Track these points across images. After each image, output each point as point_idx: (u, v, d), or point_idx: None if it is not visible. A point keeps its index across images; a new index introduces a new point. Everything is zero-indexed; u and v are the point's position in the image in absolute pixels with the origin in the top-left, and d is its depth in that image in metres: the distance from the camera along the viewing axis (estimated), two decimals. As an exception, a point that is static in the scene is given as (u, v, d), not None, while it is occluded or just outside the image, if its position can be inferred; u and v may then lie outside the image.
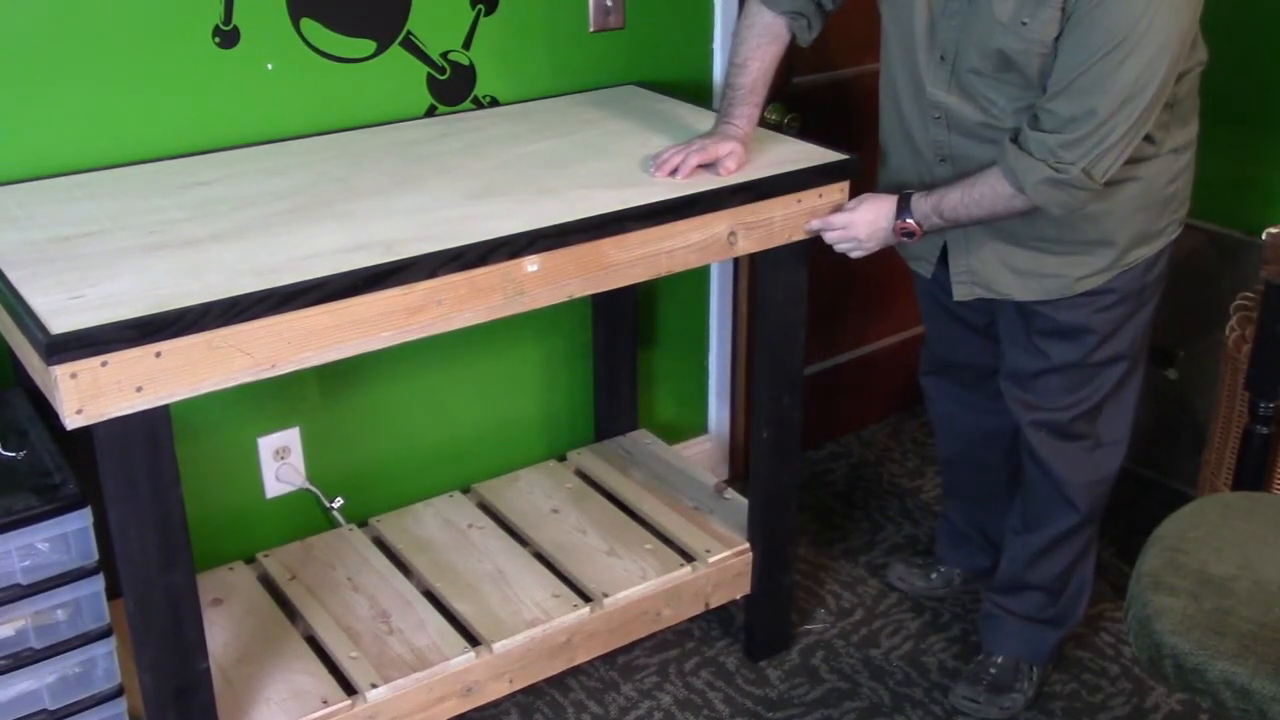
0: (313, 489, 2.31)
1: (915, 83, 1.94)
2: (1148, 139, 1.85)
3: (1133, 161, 1.85)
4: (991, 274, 2.00)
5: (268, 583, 2.19)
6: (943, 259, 2.06)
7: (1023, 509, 2.22)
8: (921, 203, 1.92)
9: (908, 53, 1.94)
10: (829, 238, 1.99)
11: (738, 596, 2.32)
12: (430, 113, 2.24)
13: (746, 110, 2.03)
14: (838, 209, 1.99)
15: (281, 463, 2.26)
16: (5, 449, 1.71)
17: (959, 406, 2.34)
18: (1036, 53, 1.76)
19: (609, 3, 2.37)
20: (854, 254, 2.00)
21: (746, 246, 1.96)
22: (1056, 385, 2.06)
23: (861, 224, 1.96)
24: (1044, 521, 2.18)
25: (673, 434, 2.79)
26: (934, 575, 2.56)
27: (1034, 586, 2.24)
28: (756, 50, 2.04)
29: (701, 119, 2.18)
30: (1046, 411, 2.08)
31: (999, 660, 2.30)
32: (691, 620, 2.45)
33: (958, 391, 2.33)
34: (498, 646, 2.03)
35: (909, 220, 1.93)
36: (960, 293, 2.05)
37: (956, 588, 2.56)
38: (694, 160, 1.93)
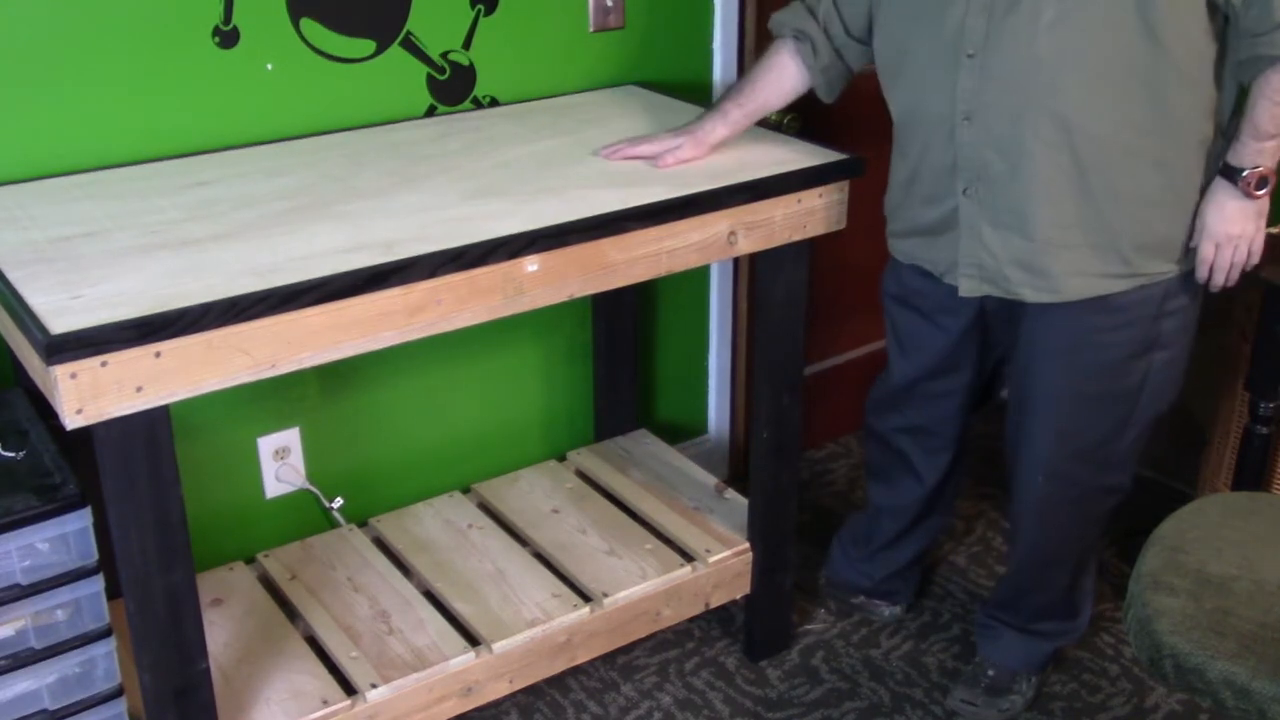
0: (313, 489, 2.31)
1: None
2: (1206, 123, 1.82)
3: (1179, 144, 1.82)
4: (1000, 268, 1.93)
5: (268, 583, 2.19)
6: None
7: (1012, 551, 2.22)
8: (1247, 151, 1.82)
9: None
10: (1238, 263, 1.89)
11: (738, 596, 2.32)
12: (430, 113, 2.24)
13: (721, 127, 2.03)
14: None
15: (281, 463, 2.26)
16: (5, 449, 1.71)
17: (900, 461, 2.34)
18: None
19: (609, 3, 2.37)
20: (1254, 257, 1.89)
21: (746, 246, 1.96)
22: (1056, 424, 2.02)
23: (1235, 228, 1.87)
24: (1033, 563, 2.19)
25: (673, 434, 2.79)
26: (888, 612, 2.54)
27: (1030, 602, 2.24)
28: (764, 86, 2.07)
29: (701, 119, 2.18)
30: (1046, 457, 2.05)
31: (997, 663, 2.30)
32: (691, 620, 2.45)
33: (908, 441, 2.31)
34: (498, 646, 2.03)
35: (1254, 173, 1.83)
36: (967, 288, 1.98)
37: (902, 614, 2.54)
38: (629, 150, 1.99)
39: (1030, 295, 1.94)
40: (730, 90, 2.10)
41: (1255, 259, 1.89)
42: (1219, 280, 1.90)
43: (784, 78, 2.07)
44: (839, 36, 2.04)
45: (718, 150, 2.03)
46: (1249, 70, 1.78)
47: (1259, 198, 1.84)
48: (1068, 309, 1.93)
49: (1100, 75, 1.78)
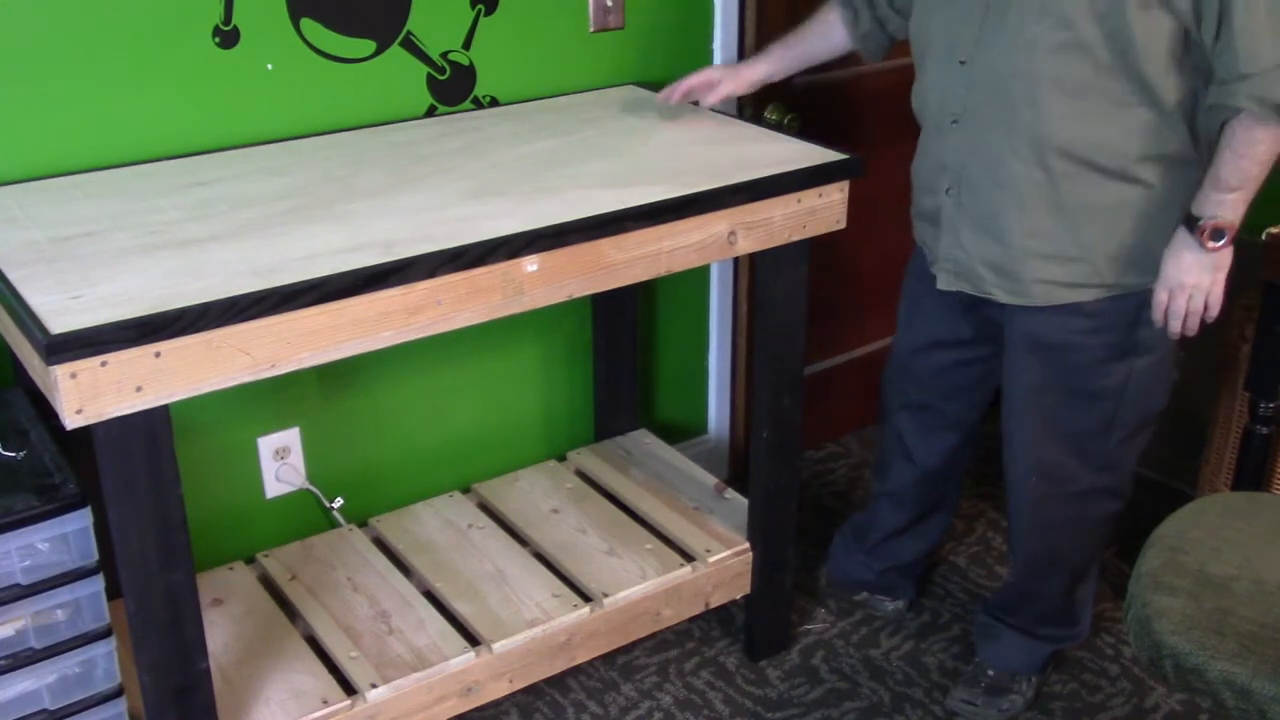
0: (313, 489, 2.31)
1: None
2: (1182, 141, 1.82)
3: (1149, 161, 1.82)
4: (974, 267, 1.97)
5: (268, 583, 2.19)
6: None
7: (1013, 558, 2.22)
8: (1208, 201, 1.80)
9: None
10: (1194, 311, 1.86)
11: (738, 596, 2.32)
12: (430, 113, 2.24)
13: (764, 64, 2.15)
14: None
15: (281, 463, 2.26)
16: (5, 449, 1.71)
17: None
18: None
19: (609, 3, 2.37)
20: (1212, 309, 1.86)
21: (746, 246, 1.96)
22: (1040, 416, 2.03)
23: (1189, 278, 1.85)
24: (1033, 570, 2.20)
25: (673, 434, 2.79)
26: (891, 606, 2.54)
27: (1030, 607, 2.24)
28: (810, 35, 2.15)
29: (702, 119, 2.18)
30: (1034, 452, 2.06)
31: (996, 664, 2.30)
32: (691, 620, 2.45)
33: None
34: (498, 646, 2.03)
35: (1210, 224, 1.80)
36: (944, 282, 2.02)
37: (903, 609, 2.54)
38: (679, 87, 2.14)
39: (1002, 296, 1.97)
40: (778, 39, 2.18)
41: (1214, 311, 1.86)
42: (1175, 327, 1.88)
43: (830, 34, 2.15)
44: (881, 6, 2.09)
45: (755, 87, 2.16)
46: (1215, 117, 1.77)
47: (1213, 250, 1.81)
48: (1043, 310, 1.95)
49: (1075, 98, 1.79)
